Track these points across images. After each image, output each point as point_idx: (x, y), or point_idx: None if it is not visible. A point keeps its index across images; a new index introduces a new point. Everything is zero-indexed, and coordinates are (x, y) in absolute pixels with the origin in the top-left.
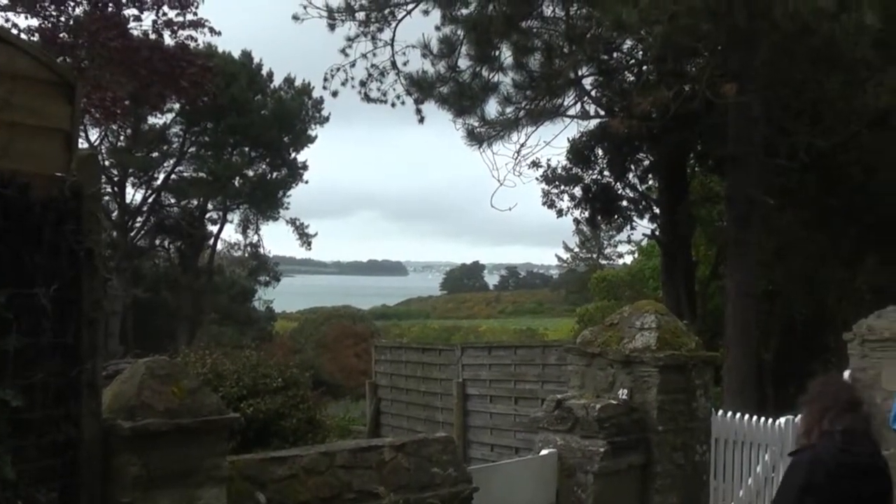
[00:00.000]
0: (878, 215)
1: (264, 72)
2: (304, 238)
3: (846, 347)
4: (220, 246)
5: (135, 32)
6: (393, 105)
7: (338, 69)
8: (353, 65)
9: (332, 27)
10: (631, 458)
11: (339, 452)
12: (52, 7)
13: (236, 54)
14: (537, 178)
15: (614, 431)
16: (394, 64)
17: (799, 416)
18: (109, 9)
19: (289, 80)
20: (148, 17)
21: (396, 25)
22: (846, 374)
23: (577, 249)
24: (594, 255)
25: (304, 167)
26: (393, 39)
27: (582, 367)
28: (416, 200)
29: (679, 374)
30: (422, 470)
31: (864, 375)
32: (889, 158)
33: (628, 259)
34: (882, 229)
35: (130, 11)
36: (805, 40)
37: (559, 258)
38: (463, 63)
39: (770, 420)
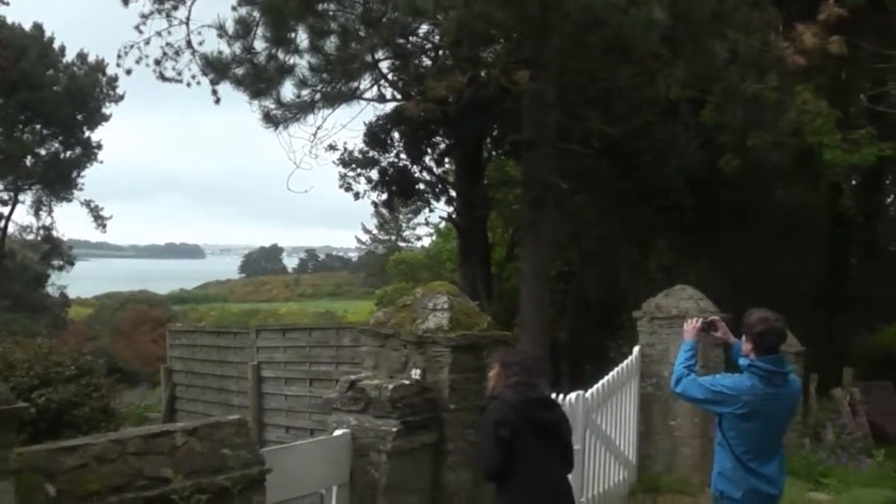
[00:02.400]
0: (668, 200)
1: (56, 46)
2: (100, 220)
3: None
4: (11, 229)
5: None
6: (188, 85)
7: (132, 46)
8: (147, 42)
9: (125, 2)
10: (424, 436)
11: (130, 439)
12: None
13: (27, 26)
14: (334, 162)
15: (407, 411)
16: (189, 43)
17: (492, 378)
18: None
19: (82, 56)
20: None
21: (192, 4)
22: (636, 350)
23: (375, 232)
24: (393, 238)
25: (99, 146)
26: (188, 18)
27: (376, 347)
28: (215, 183)
29: (471, 354)
30: (214, 453)
31: (653, 351)
32: (679, 146)
33: (427, 241)
34: (672, 213)
35: None
36: (597, 32)
37: (359, 240)
38: (259, 45)
39: (561, 395)
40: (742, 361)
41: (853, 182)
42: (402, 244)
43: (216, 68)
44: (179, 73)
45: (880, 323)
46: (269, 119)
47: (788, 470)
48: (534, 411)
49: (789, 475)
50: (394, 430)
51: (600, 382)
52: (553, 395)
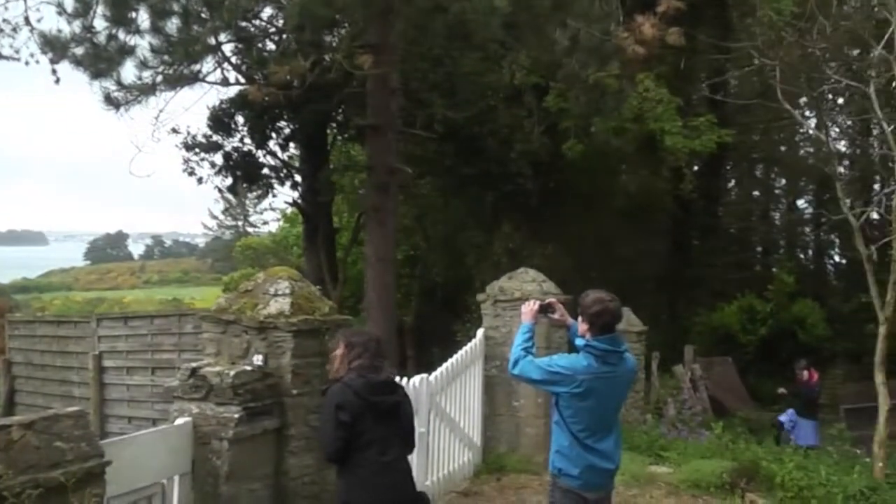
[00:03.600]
0: (513, 184)
1: None
2: None
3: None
4: None
5: None
6: (27, 63)
7: None
8: None
9: None
10: (266, 422)
11: None
12: None
13: None
14: (177, 146)
15: (249, 397)
16: (27, 20)
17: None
18: None
19: None
20: None
21: None
22: (480, 332)
23: (222, 217)
24: (240, 223)
25: None
26: None
27: (217, 334)
28: (58, 166)
29: (313, 339)
30: (52, 447)
31: (497, 333)
32: (523, 131)
33: (274, 226)
34: (517, 197)
35: None
36: (439, 17)
37: (205, 226)
38: (99, 24)
39: (405, 379)
40: (578, 342)
41: (695, 167)
42: (249, 229)
43: (55, 47)
44: (17, 51)
45: (721, 301)
46: (110, 101)
47: (630, 446)
48: (375, 395)
49: (631, 451)
50: (235, 416)
51: (444, 365)
52: (397, 377)
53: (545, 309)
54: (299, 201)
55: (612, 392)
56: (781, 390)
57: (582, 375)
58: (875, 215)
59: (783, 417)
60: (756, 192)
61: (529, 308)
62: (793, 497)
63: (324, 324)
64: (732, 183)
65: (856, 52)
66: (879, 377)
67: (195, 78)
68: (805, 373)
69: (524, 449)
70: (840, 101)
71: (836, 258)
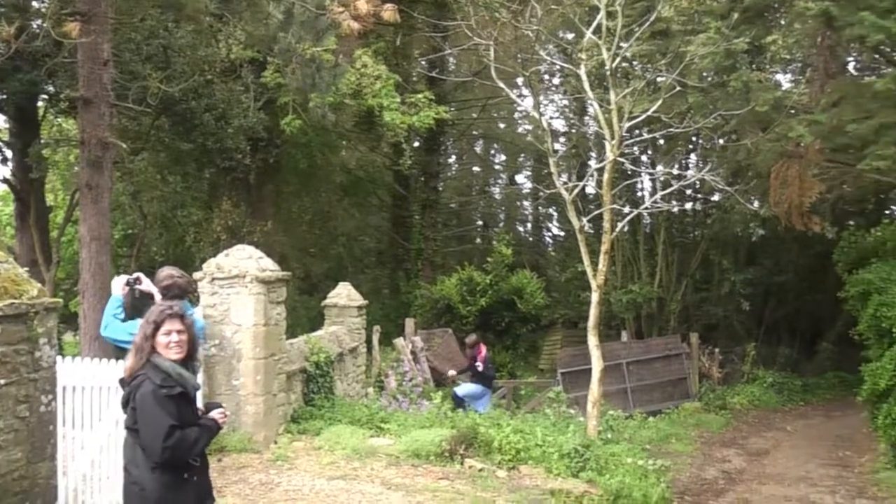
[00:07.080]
0: (230, 160)
1: None
2: None
3: None
4: None
5: None
6: None
7: None
8: None
9: None
10: None
11: None
12: None
13: None
14: None
15: None
16: None
17: None
18: None
19: None
20: None
21: None
22: (197, 310)
23: None
24: None
25: None
26: None
27: None
28: None
29: (20, 324)
30: None
31: (215, 311)
32: (240, 106)
33: None
34: (235, 173)
35: None
36: None
37: None
38: None
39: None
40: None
41: (415, 143)
42: None
43: None
44: None
45: (441, 274)
46: None
47: (350, 420)
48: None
49: (351, 424)
50: None
51: None
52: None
53: (133, 282)
54: (9, 178)
55: None
56: (451, 372)
57: None
58: (590, 189)
59: (458, 391)
60: (476, 168)
61: (119, 283)
62: (510, 459)
63: (32, 307)
64: (453, 159)
65: (570, 35)
66: (593, 340)
67: None
68: (473, 349)
69: (245, 428)
70: (556, 81)
71: (554, 230)
